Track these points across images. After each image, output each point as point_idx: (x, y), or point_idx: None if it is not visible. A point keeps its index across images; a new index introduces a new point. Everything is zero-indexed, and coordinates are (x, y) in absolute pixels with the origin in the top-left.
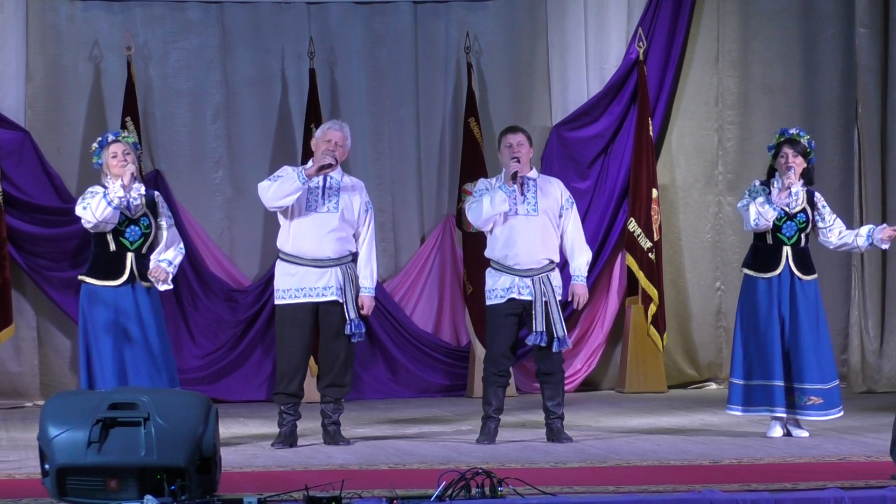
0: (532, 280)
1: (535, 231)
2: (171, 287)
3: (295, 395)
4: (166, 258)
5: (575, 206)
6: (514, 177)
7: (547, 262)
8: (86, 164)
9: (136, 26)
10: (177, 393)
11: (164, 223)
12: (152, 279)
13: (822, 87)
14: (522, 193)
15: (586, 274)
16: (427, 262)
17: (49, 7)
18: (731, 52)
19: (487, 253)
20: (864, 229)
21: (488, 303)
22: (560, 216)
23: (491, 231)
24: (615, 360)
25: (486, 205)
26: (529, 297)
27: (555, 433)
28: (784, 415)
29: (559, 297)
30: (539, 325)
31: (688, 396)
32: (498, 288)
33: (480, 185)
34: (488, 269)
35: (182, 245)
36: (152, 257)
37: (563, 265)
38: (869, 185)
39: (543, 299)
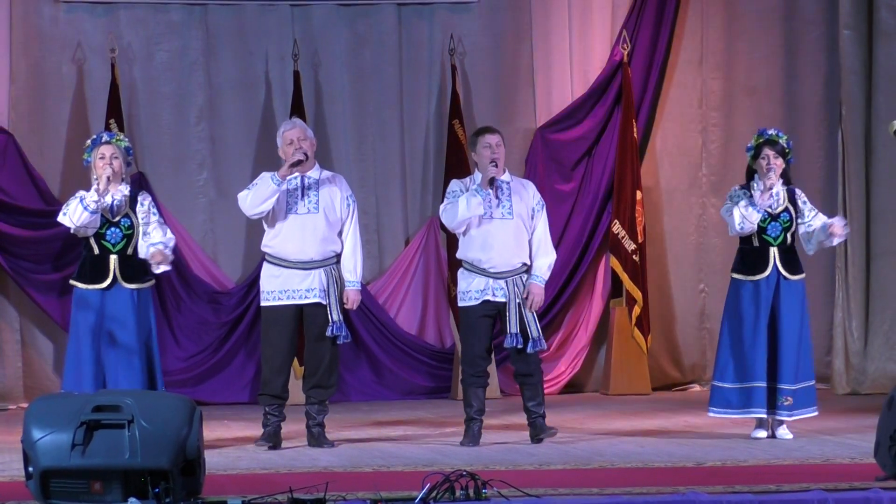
0: (506, 282)
1: (509, 234)
2: (169, 269)
3: (279, 397)
4: (161, 241)
5: (545, 209)
6: (492, 182)
7: (520, 264)
8: (69, 167)
9: (119, 28)
10: (161, 395)
11: (150, 219)
12: (152, 263)
13: (806, 90)
14: (497, 197)
15: (546, 276)
16: (411, 264)
17: (32, 9)
18: (715, 54)
19: (460, 254)
20: (819, 221)
21: (462, 304)
22: (532, 218)
23: (464, 233)
24: (599, 362)
25: (462, 208)
26: (503, 299)
27: (538, 429)
28: (764, 415)
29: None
30: (513, 326)
31: (672, 398)
32: (472, 290)
33: (454, 187)
34: (460, 271)
35: (171, 234)
36: (141, 243)
37: None
38: (853, 187)
39: (517, 301)
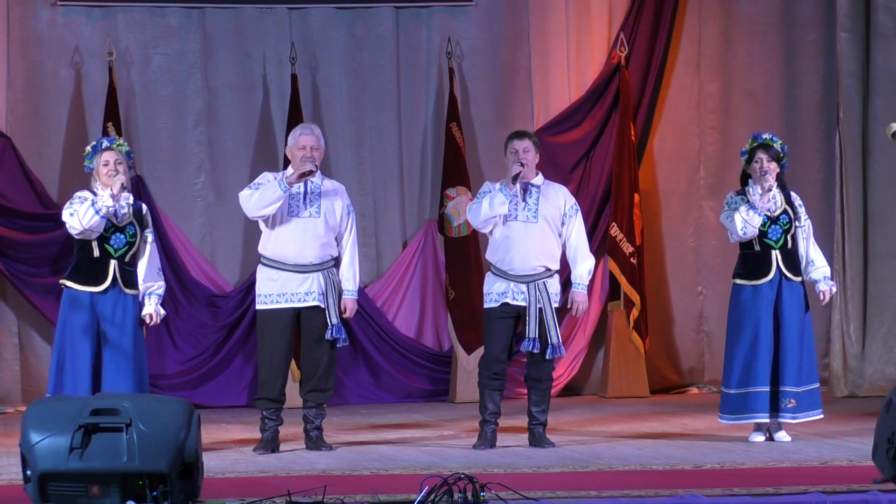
0: (528, 286)
1: (532, 237)
2: (164, 314)
3: (277, 401)
4: (157, 293)
5: (580, 213)
6: (515, 179)
7: (543, 269)
8: (67, 170)
9: (117, 32)
10: (159, 398)
11: (149, 236)
12: (148, 322)
13: (804, 92)
14: (524, 199)
15: (587, 282)
16: (409, 267)
17: (30, 12)
18: (713, 57)
19: (487, 256)
20: (821, 272)
21: (484, 306)
22: (562, 224)
23: (491, 234)
24: (597, 365)
25: (485, 206)
26: (524, 303)
27: (537, 439)
28: (766, 420)
29: (556, 304)
30: (532, 331)
31: (670, 401)
32: (493, 292)
33: (485, 188)
34: (487, 273)
35: (160, 267)
36: (142, 265)
37: (567, 272)
38: (850, 190)
39: (538, 306)
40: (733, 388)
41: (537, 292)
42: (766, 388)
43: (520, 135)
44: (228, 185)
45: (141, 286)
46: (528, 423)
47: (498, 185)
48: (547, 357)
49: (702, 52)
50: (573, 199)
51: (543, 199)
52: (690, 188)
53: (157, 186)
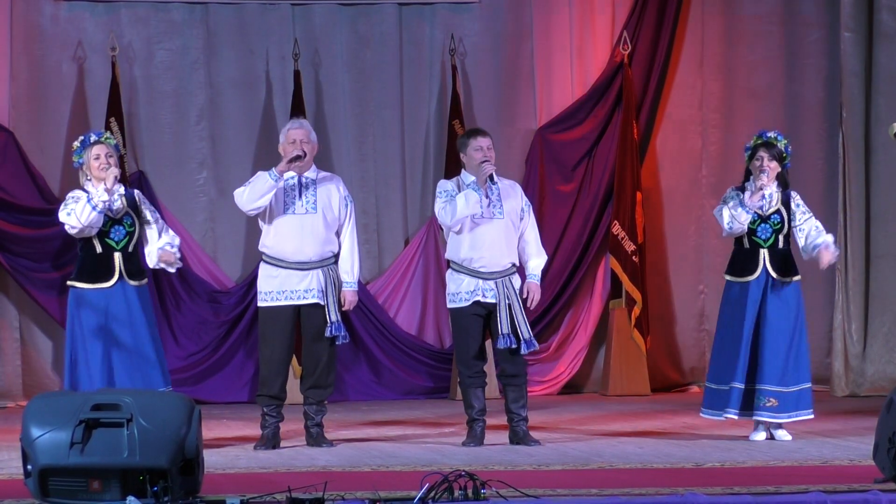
0: (496, 283)
1: (500, 234)
2: (181, 265)
3: (277, 398)
4: (167, 241)
5: (532, 210)
6: (492, 178)
7: (510, 264)
8: (69, 165)
9: (120, 27)
10: (160, 394)
11: (150, 217)
12: (163, 265)
13: (807, 92)
14: (487, 195)
15: (540, 275)
16: (411, 264)
17: (33, 7)
18: (716, 55)
19: (449, 255)
20: (814, 230)
21: (452, 306)
22: (521, 219)
23: (458, 232)
24: (598, 363)
25: (461, 205)
26: (494, 300)
27: (519, 437)
28: (736, 417)
29: (520, 299)
30: (505, 327)
31: (671, 399)
32: (462, 291)
33: (446, 186)
34: (449, 272)
35: (173, 231)
36: (148, 249)
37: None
38: (853, 189)
39: (507, 302)
40: (713, 383)
41: (505, 289)
42: (742, 386)
43: (481, 132)
44: (231, 181)
45: (155, 247)
46: (510, 421)
47: (462, 185)
48: (522, 352)
49: (705, 51)
50: (525, 197)
51: (505, 196)
52: (692, 187)
53: (160, 182)
